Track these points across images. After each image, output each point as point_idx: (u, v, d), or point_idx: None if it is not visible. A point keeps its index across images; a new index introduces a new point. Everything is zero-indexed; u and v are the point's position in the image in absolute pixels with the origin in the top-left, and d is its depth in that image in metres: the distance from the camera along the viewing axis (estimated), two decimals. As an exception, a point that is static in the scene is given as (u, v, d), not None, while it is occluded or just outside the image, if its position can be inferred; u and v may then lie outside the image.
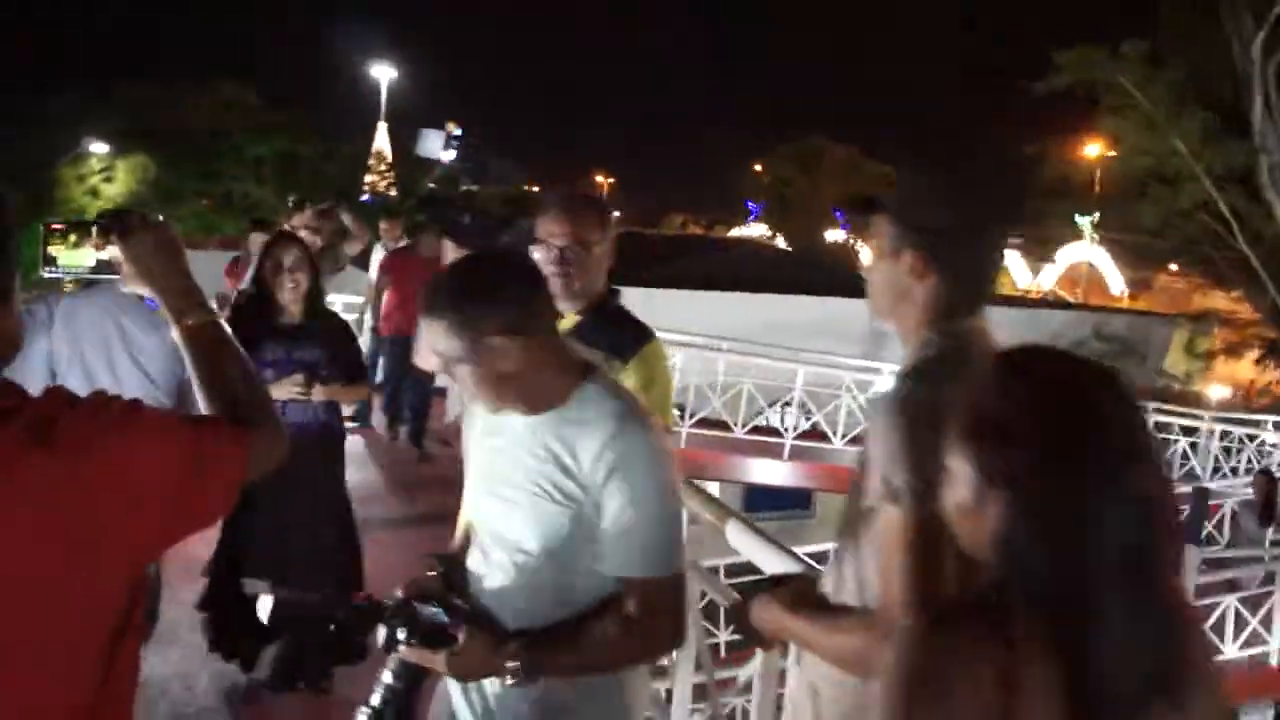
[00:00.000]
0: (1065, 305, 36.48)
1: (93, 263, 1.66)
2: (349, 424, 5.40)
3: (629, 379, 2.63)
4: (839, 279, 19.49)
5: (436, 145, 14.79)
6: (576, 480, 1.87)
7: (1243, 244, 21.68)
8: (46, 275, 1.71)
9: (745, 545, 3.28)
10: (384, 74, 36.82)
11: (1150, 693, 1.23)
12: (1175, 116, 20.85)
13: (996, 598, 1.28)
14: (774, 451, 12.46)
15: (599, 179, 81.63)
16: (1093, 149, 29.81)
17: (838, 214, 58.32)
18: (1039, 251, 50.71)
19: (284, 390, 3.95)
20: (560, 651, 1.88)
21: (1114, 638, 1.22)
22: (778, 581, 2.04)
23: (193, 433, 1.41)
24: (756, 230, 66.38)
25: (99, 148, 31.79)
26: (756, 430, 12.71)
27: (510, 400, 1.91)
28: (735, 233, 69.76)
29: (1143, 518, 1.25)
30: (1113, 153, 26.17)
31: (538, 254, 2.69)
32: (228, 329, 1.63)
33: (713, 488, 13.12)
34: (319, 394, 4.06)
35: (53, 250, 1.69)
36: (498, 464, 2.00)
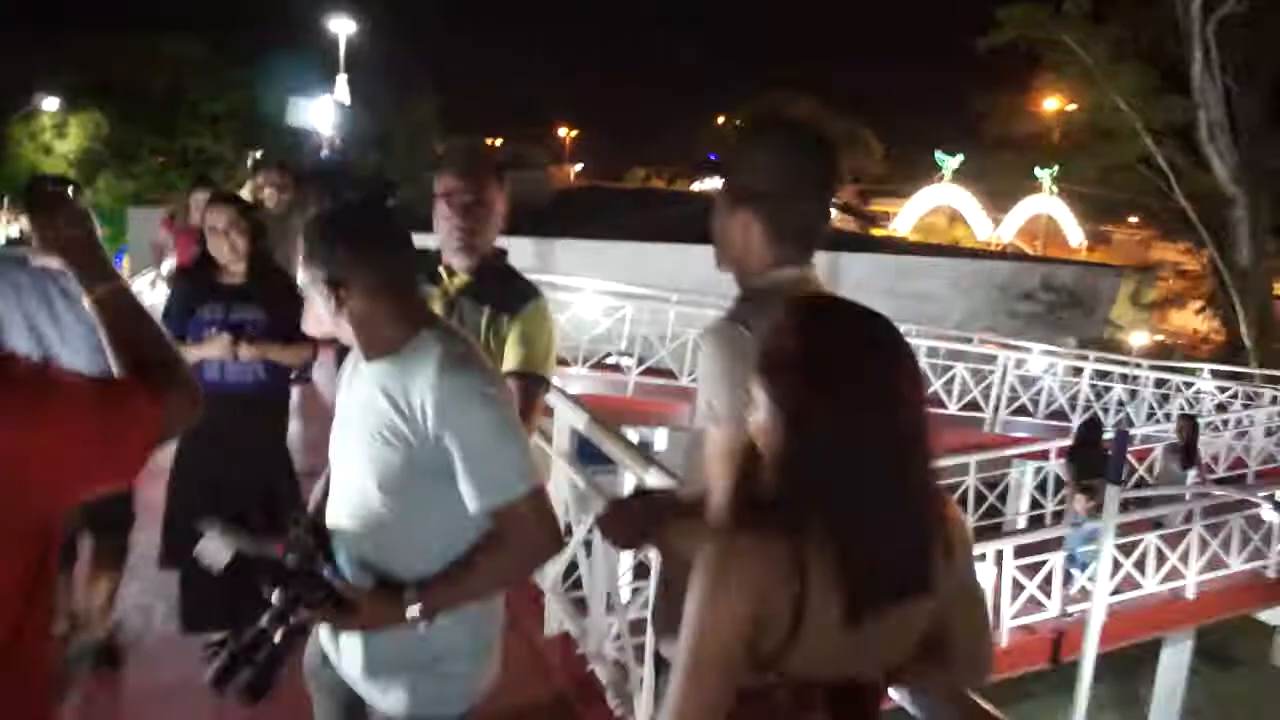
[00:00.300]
0: (1018, 258, 36.96)
1: (3, 240, 1.69)
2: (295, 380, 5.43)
3: (513, 333, 2.89)
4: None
5: (303, 114, 14.50)
6: (409, 423, 1.97)
7: (1180, 197, 22.20)
8: None
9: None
10: (343, 27, 36.35)
11: (904, 586, 1.54)
12: (1115, 73, 21.21)
13: (788, 502, 1.55)
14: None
15: (561, 131, 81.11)
16: (1051, 103, 30.17)
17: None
18: (997, 204, 51.30)
19: (211, 349, 3.98)
20: (453, 586, 2.00)
21: (874, 535, 1.51)
22: (643, 494, 2.34)
23: (105, 394, 1.47)
24: (716, 183, 66.40)
25: (50, 103, 31.28)
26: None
27: (355, 342, 2.07)
28: (697, 186, 69.86)
29: (893, 437, 1.53)
30: (1073, 106, 26.55)
31: (439, 208, 2.88)
32: (136, 296, 1.66)
33: (661, 434, 13.42)
34: (245, 353, 4.04)
35: None
36: (349, 410, 2.12)
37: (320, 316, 2.08)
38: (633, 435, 12.79)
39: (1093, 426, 11.04)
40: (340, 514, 2.13)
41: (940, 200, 55.94)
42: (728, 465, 1.89)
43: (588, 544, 4.35)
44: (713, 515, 1.91)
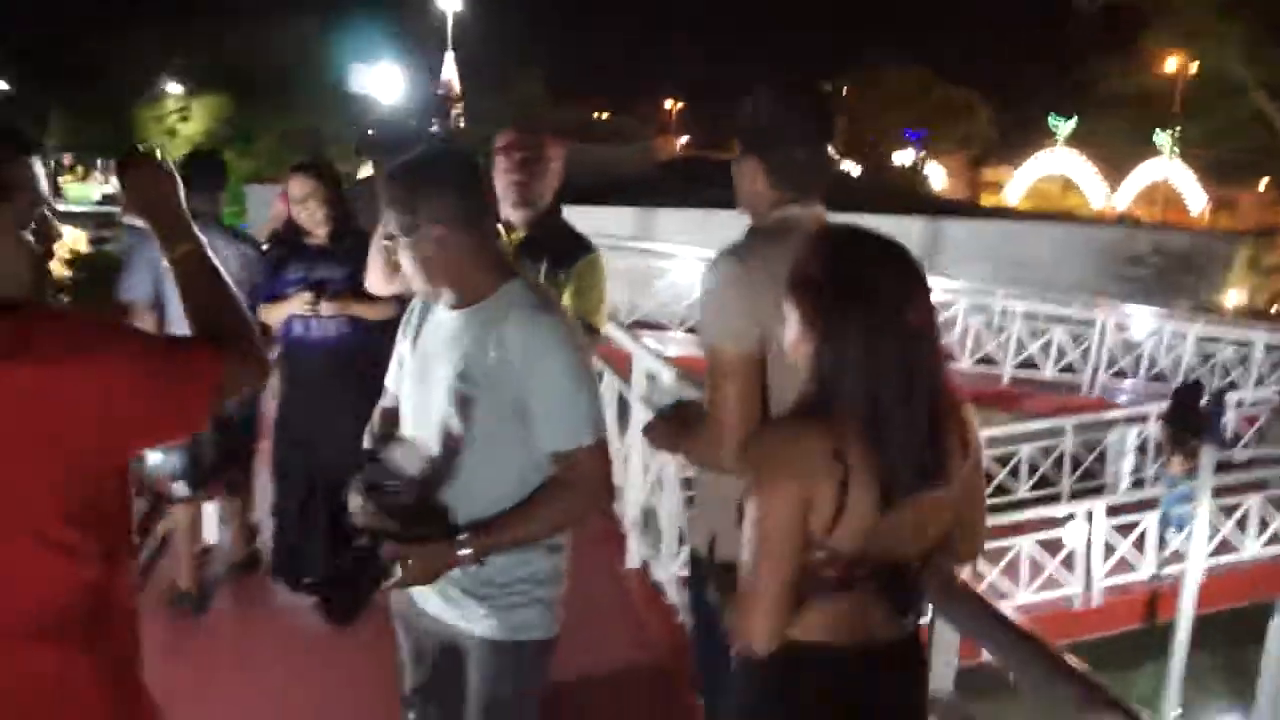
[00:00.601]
0: (1133, 224, 35.92)
1: (98, 196, 1.81)
2: None
3: (569, 285, 3.08)
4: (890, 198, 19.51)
5: (361, 80, 14.85)
6: (500, 366, 2.06)
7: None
8: (59, 208, 1.79)
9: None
10: (450, 3, 36.96)
11: (925, 475, 1.80)
12: (1225, 28, 20.45)
13: (821, 405, 1.82)
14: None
15: (668, 104, 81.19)
16: (1169, 63, 29.25)
17: (908, 134, 57.65)
18: (1113, 170, 49.78)
19: (292, 305, 4.18)
20: (506, 531, 2.10)
21: (897, 431, 1.77)
22: (678, 406, 2.62)
23: (165, 349, 1.58)
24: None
25: (174, 88, 32.60)
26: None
27: (442, 287, 2.13)
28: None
29: (910, 349, 1.79)
30: (1185, 63, 25.74)
31: (498, 163, 3.06)
32: (212, 258, 1.73)
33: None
34: (327, 309, 4.20)
35: (63, 183, 1.82)
36: (426, 358, 2.21)
37: (381, 275, 2.32)
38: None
39: (1191, 389, 10.92)
40: (418, 455, 2.20)
41: (1053, 167, 54.39)
42: (723, 379, 2.19)
43: (660, 481, 4.67)
44: (714, 423, 2.20)
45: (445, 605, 2.24)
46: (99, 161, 31.23)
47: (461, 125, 35.27)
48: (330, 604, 4.35)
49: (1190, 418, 10.18)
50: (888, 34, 69.33)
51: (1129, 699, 1.76)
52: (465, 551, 2.05)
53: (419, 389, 2.22)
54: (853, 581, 1.82)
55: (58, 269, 22.58)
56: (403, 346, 2.33)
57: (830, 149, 2.34)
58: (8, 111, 35.66)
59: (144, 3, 34.24)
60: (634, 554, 4.98)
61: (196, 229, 1.73)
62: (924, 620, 2.07)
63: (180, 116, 32.30)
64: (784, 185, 2.29)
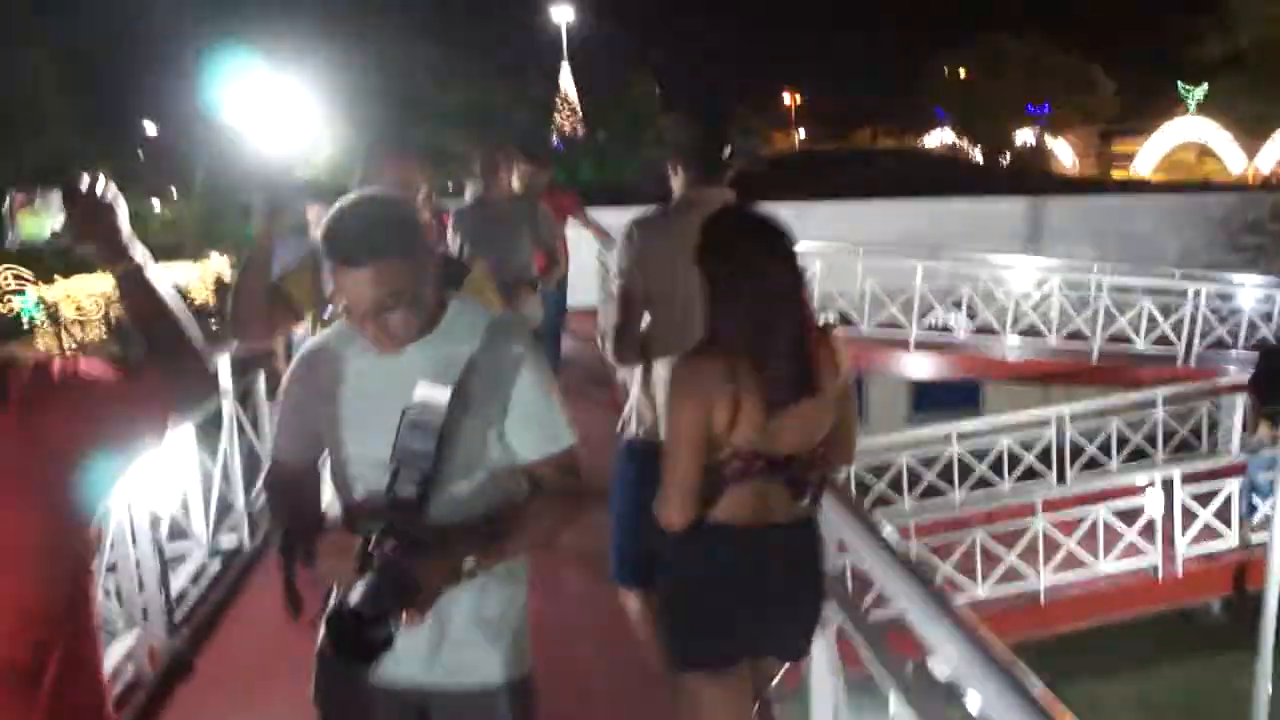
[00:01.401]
0: (1245, 189, 34.44)
1: (48, 234, 1.80)
2: None
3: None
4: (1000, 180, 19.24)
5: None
6: (467, 392, 2.02)
7: None
8: (7, 247, 1.83)
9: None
10: (563, 15, 37.79)
11: (798, 387, 2.43)
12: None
13: (718, 338, 2.46)
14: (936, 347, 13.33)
15: (786, 97, 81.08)
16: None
17: (1030, 110, 56.33)
18: (1252, 135, 47.72)
19: None
20: (506, 540, 2.04)
21: (772, 356, 2.41)
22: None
23: (128, 382, 1.70)
24: (945, 137, 64.97)
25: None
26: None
27: (414, 332, 2.04)
28: (927, 140, 68.36)
29: (775, 297, 2.44)
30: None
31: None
32: (151, 277, 1.84)
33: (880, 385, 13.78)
34: None
35: (18, 221, 1.79)
36: (384, 400, 2.01)
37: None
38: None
39: (1275, 353, 10.74)
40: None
41: (1186, 135, 52.58)
42: (617, 305, 3.35)
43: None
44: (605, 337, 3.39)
45: (431, 663, 2.10)
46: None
47: (580, 133, 35.97)
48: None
49: (1277, 382, 10.05)
50: (1001, 7, 67.53)
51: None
52: (468, 567, 1.95)
53: (371, 431, 2.04)
54: (752, 472, 2.46)
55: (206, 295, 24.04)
56: (311, 403, 2.15)
57: (727, 149, 3.42)
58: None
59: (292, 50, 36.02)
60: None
61: (136, 250, 1.84)
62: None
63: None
64: (692, 175, 3.42)
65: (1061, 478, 11.71)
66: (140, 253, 1.84)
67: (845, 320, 13.04)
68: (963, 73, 58.08)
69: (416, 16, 34.26)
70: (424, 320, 2.04)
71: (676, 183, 3.43)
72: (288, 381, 2.20)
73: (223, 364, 5.18)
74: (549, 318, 6.37)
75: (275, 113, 14.78)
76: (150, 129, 41.76)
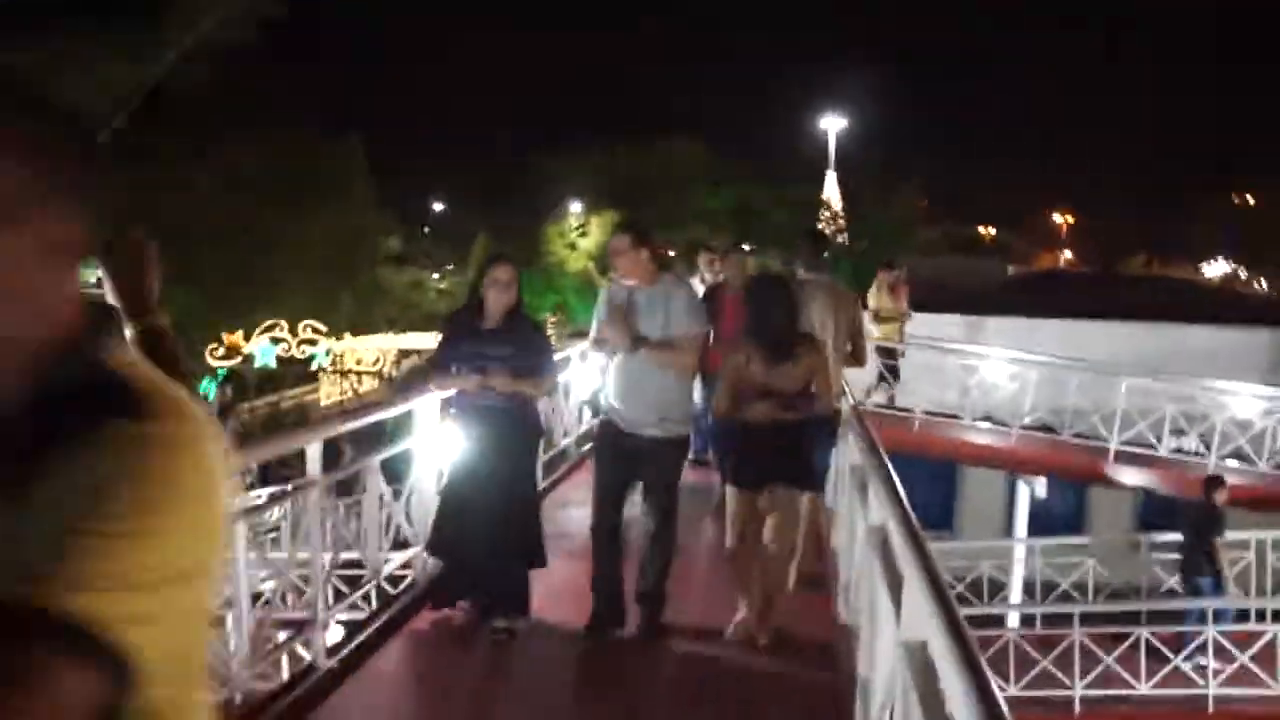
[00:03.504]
0: None
1: (92, 281, 1.78)
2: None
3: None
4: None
5: None
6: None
7: None
8: None
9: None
10: (833, 124, 39.00)
11: (779, 356, 5.23)
12: None
13: (746, 334, 5.52)
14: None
15: (1057, 217, 79.32)
16: None
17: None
18: None
19: (463, 383, 5.11)
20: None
21: (767, 339, 5.30)
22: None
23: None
24: (1224, 268, 62.01)
25: (575, 207, 37.02)
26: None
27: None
28: (1207, 270, 65.35)
29: (770, 313, 5.37)
30: None
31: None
32: (170, 341, 1.87)
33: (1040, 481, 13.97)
34: (500, 384, 5.05)
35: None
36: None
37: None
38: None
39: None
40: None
41: None
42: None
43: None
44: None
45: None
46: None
47: (843, 241, 36.91)
48: (492, 611, 5.28)
49: None
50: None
51: None
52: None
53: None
54: (764, 395, 5.17)
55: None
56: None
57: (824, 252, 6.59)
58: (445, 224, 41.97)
59: (560, 134, 39.36)
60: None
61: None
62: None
63: (580, 232, 36.50)
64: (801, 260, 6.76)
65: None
66: (163, 318, 1.91)
67: (1049, 429, 13.43)
68: (1250, 199, 55.44)
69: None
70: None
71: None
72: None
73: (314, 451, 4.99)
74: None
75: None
76: (439, 206, 46.03)
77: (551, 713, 4.77)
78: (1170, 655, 9.60)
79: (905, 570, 2.81)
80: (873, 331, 13.34)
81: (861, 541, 4.56)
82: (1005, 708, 1.94)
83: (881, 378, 13.88)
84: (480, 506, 5.16)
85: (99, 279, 1.83)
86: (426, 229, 49.75)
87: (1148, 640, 9.72)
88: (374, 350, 36.63)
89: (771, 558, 5.28)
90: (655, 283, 5.27)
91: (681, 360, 5.27)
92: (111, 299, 1.83)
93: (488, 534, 5.15)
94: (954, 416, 14.00)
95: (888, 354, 13.79)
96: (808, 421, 5.31)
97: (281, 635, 5.08)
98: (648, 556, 5.37)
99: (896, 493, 3.48)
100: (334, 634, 5.24)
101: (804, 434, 5.30)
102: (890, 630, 3.14)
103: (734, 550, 5.32)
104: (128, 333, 1.73)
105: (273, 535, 8.51)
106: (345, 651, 4.97)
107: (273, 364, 32.61)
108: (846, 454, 6.32)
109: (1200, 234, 62.79)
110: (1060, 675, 9.60)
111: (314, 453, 4.84)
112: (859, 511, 4.83)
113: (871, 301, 13.89)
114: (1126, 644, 9.80)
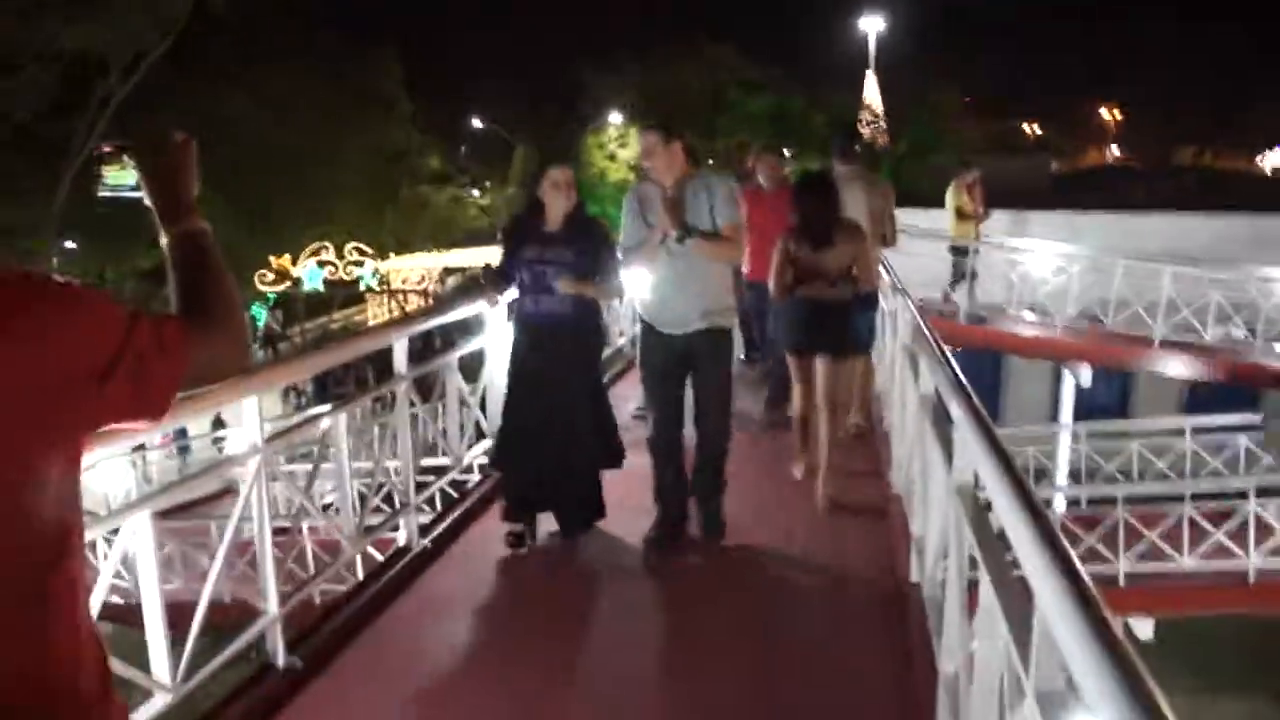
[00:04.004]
0: None
1: (133, 182, 1.79)
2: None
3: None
4: None
5: None
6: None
7: None
8: (100, 194, 1.82)
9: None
10: (873, 25, 38.21)
11: (821, 242, 6.03)
12: None
13: (797, 223, 6.17)
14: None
15: (1104, 112, 77.69)
16: None
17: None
18: None
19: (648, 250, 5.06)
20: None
21: (807, 229, 6.09)
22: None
23: (134, 325, 1.42)
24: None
25: (615, 118, 36.93)
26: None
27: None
28: (1265, 161, 63.98)
29: (810, 209, 6.11)
30: None
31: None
32: (206, 242, 1.73)
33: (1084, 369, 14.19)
34: (564, 287, 5.00)
35: (105, 171, 1.81)
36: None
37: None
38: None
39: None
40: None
41: None
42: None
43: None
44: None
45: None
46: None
47: (882, 140, 36.52)
48: (562, 519, 5.33)
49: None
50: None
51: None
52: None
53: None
54: (813, 275, 5.99)
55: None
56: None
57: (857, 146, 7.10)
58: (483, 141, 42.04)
59: (594, 45, 39.07)
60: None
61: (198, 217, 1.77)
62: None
63: (620, 143, 36.42)
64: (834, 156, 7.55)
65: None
66: (203, 221, 1.78)
67: (1096, 319, 13.59)
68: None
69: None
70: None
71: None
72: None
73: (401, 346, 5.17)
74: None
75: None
76: (477, 123, 45.92)
77: (616, 598, 4.95)
78: (1212, 529, 9.88)
79: (954, 412, 3.09)
80: (952, 231, 13.75)
81: (914, 412, 4.85)
82: (1053, 522, 1.97)
83: (959, 276, 14.11)
84: (548, 418, 5.13)
85: (137, 182, 1.79)
86: (465, 147, 49.78)
87: (1191, 517, 10.00)
88: (419, 269, 37.02)
89: (830, 411, 6.04)
90: (693, 177, 5.11)
91: (730, 251, 5.21)
92: (148, 202, 1.78)
93: (560, 443, 5.14)
94: (1000, 309, 14.24)
95: (962, 252, 13.98)
96: (852, 298, 6.10)
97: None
98: (707, 448, 5.35)
99: (946, 358, 3.78)
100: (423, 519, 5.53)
101: (849, 308, 6.13)
102: (941, 479, 3.46)
103: (802, 410, 6.29)
104: (162, 239, 1.74)
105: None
106: (437, 531, 5.42)
107: (320, 287, 33.11)
108: (896, 337, 6.61)
109: (1254, 124, 61.34)
110: (1105, 551, 9.96)
111: (400, 350, 5.10)
112: (910, 386, 5.02)
113: (951, 200, 14.06)
114: (1169, 521, 10.10)
